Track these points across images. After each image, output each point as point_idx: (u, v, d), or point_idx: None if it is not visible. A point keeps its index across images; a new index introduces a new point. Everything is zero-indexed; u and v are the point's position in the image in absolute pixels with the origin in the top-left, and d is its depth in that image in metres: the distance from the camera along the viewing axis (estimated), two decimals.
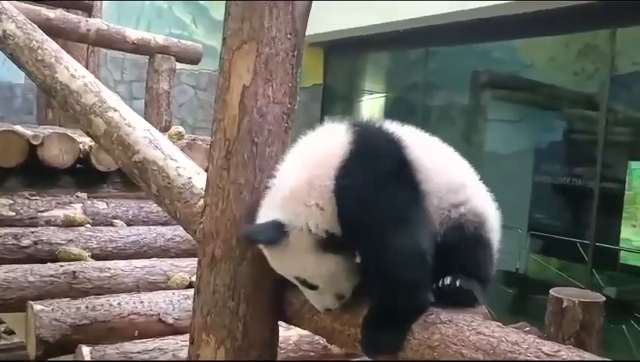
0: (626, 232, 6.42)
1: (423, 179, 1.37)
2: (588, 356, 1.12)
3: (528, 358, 1.15)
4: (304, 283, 1.43)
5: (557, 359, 1.13)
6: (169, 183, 1.88)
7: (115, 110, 2.09)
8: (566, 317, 2.25)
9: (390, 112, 9.24)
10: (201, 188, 1.83)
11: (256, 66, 1.53)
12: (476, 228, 1.40)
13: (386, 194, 1.31)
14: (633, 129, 6.81)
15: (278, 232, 1.34)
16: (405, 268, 1.30)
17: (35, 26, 2.43)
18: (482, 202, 1.46)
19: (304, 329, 1.64)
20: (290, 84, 1.58)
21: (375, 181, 1.32)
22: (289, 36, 1.56)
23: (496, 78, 8.07)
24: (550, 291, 2.34)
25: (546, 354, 1.15)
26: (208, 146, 3.34)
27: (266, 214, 1.40)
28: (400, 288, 1.32)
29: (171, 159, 1.93)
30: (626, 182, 6.41)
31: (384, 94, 9.55)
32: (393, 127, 1.44)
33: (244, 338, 1.56)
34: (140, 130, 2.02)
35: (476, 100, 8.19)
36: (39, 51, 2.31)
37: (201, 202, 1.79)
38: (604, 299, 2.35)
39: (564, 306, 2.27)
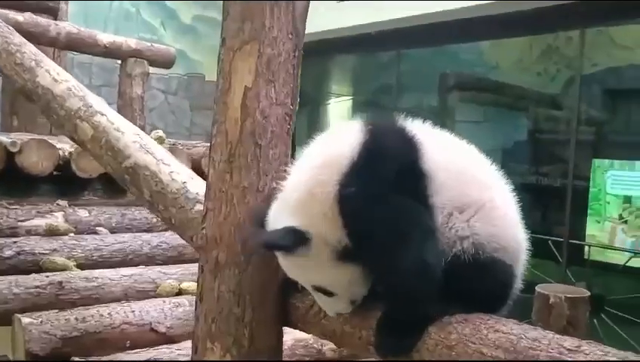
0: (591, 228, 6.58)
1: (435, 191, 1.30)
2: (611, 350, 1.12)
3: (550, 353, 1.15)
4: (320, 289, 1.38)
5: (580, 353, 1.13)
6: (162, 188, 1.83)
7: (102, 114, 2.04)
8: (553, 313, 2.27)
9: (359, 115, 9.26)
10: (197, 193, 1.79)
11: (258, 67, 1.50)
12: (478, 252, 1.30)
13: (391, 207, 1.25)
14: (596, 128, 7.01)
15: (297, 241, 1.28)
16: (412, 285, 1.26)
17: (12, 29, 2.35)
18: (490, 229, 1.32)
19: (311, 333, 1.62)
20: (291, 85, 1.56)
21: (380, 192, 1.25)
22: (290, 36, 1.54)
23: (463, 79, 8.19)
24: (536, 288, 2.37)
25: (567, 349, 1.15)
26: (189, 151, 3.32)
27: (280, 220, 1.33)
28: (407, 302, 1.30)
29: (164, 164, 1.89)
30: (590, 179, 6.57)
31: (353, 97, 9.59)
32: (414, 129, 1.35)
33: (251, 344, 1.53)
34: (129, 135, 1.97)
35: (444, 101, 8.30)
36: (18, 55, 2.24)
37: (197, 207, 1.75)
38: (589, 294, 2.40)
39: (550, 302, 2.30)
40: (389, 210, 1.25)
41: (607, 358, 1.09)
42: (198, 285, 1.60)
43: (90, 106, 2.06)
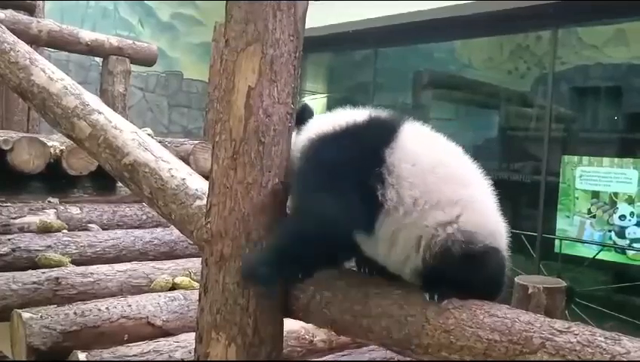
0: (561, 223, 6.76)
1: (392, 183, 1.43)
2: (598, 331, 1.21)
3: (543, 334, 1.24)
4: None
5: (569, 334, 1.22)
6: (162, 185, 1.88)
7: (100, 113, 2.08)
8: (532, 303, 2.39)
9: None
10: (196, 189, 1.84)
11: (262, 67, 1.56)
12: (466, 248, 1.39)
13: (319, 178, 1.48)
14: (565, 125, 7.20)
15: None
16: (293, 241, 1.49)
17: (4, 27, 2.36)
18: (477, 218, 1.43)
19: (311, 323, 1.69)
20: (292, 85, 1.62)
21: (331, 161, 1.49)
22: (291, 38, 1.60)
23: (436, 77, 8.32)
24: (515, 279, 2.48)
25: (558, 330, 1.24)
26: (177, 148, 3.35)
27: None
28: (286, 248, 1.50)
29: (163, 161, 1.94)
30: (560, 175, 6.74)
31: (329, 94, 9.67)
32: (406, 127, 1.52)
33: (255, 334, 1.59)
34: (127, 133, 2.01)
35: (418, 99, 8.42)
36: (12, 53, 2.26)
37: (197, 203, 1.81)
38: (565, 284, 2.52)
39: (529, 292, 2.41)
40: (317, 181, 1.49)
41: (595, 337, 1.18)
42: (201, 277, 1.66)
43: (87, 105, 2.09)
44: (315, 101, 9.63)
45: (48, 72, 2.19)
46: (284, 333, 2.29)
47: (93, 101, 2.12)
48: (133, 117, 7.92)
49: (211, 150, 1.66)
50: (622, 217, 6.29)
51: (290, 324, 1.99)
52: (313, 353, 2.39)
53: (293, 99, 1.63)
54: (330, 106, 9.34)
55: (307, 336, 2.36)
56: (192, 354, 1.73)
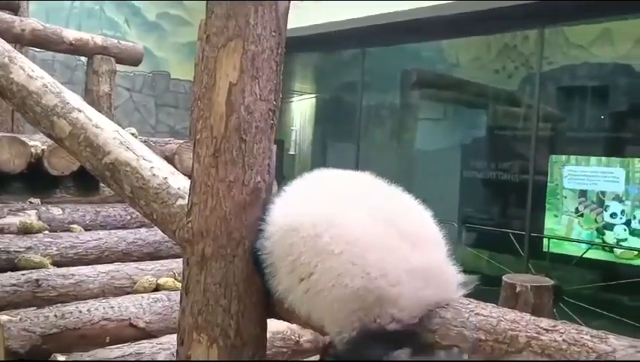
0: (549, 222, 6.79)
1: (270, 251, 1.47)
2: (584, 329, 1.20)
3: (529, 333, 1.22)
4: None
5: (555, 332, 1.21)
6: (144, 184, 1.84)
7: (80, 111, 2.03)
8: (519, 302, 2.38)
9: (321, 113, 9.38)
10: (178, 188, 1.81)
11: (243, 64, 1.54)
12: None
13: None
14: (553, 124, 7.23)
15: None
16: None
17: None
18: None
19: (294, 323, 1.66)
20: (274, 82, 1.60)
21: None
22: (273, 34, 1.57)
23: (424, 76, 8.32)
24: (503, 278, 2.46)
25: (544, 329, 1.22)
26: (162, 147, 3.32)
27: None
28: None
29: (144, 160, 1.90)
30: (548, 174, 6.77)
31: (317, 95, 9.64)
32: (315, 185, 1.53)
33: (237, 335, 1.56)
34: (108, 131, 1.97)
35: (406, 99, 8.42)
36: None
37: (179, 202, 1.78)
38: (553, 282, 2.51)
39: (517, 291, 2.40)
40: None
41: (582, 336, 1.16)
42: (183, 278, 1.63)
43: (67, 103, 2.05)
44: (304, 101, 9.61)
45: (28, 69, 2.15)
46: (270, 334, 2.27)
47: (74, 99, 2.08)
48: (121, 117, 7.88)
49: (193, 148, 1.63)
50: (613, 215, 6.31)
51: (276, 325, 1.96)
52: (299, 354, 2.37)
53: (275, 96, 1.60)
54: (319, 106, 9.36)
55: (293, 337, 2.34)
56: (175, 356, 1.70)
